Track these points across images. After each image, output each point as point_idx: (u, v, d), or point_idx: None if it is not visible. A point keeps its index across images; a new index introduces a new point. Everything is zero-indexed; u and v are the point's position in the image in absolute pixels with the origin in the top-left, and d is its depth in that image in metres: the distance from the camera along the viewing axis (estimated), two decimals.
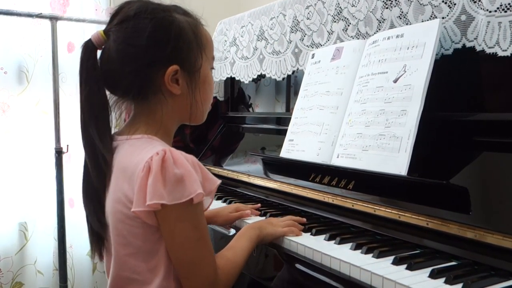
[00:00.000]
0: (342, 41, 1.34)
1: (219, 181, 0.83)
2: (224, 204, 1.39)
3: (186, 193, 0.76)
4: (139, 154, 0.80)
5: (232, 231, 1.16)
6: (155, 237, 0.81)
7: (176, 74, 0.85)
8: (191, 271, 0.81)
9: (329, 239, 0.99)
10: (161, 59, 0.83)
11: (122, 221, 0.82)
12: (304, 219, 1.09)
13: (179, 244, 0.80)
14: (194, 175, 0.77)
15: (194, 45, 0.86)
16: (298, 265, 0.96)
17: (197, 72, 0.87)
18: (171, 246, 0.81)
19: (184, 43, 0.85)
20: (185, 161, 0.78)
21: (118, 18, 0.84)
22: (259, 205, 1.26)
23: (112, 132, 0.89)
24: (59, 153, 1.89)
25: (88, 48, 0.85)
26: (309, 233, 1.04)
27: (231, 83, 1.99)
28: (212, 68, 0.93)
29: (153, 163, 0.76)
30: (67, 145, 1.90)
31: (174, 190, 0.76)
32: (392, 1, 1.18)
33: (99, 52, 0.86)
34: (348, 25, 1.32)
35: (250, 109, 2.02)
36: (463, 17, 1.02)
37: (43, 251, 2.12)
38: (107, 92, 0.87)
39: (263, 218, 1.18)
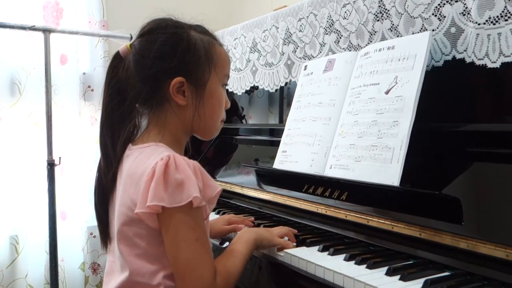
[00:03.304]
0: (334, 53, 1.36)
1: (220, 188, 0.87)
2: (217, 216, 1.39)
3: (185, 197, 0.80)
4: (147, 161, 0.85)
5: (226, 243, 1.16)
6: (157, 241, 0.84)
7: (182, 86, 0.90)
8: (187, 270, 0.82)
9: (323, 250, 0.99)
10: (167, 70, 0.88)
11: (127, 224, 0.86)
12: (296, 231, 1.09)
13: (176, 243, 0.82)
14: (194, 180, 0.81)
15: (203, 60, 0.91)
16: (291, 277, 0.95)
17: (203, 85, 0.91)
18: (169, 245, 0.83)
19: (192, 57, 0.90)
20: (187, 167, 0.82)
21: (140, 33, 0.93)
22: (252, 218, 1.25)
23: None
24: (51, 165, 1.88)
25: (116, 58, 0.94)
26: (303, 245, 1.03)
27: None
28: (225, 84, 0.97)
29: (157, 168, 0.81)
30: (59, 157, 1.89)
31: (174, 194, 0.80)
32: (383, 14, 1.20)
33: None
34: (340, 37, 1.34)
35: (244, 121, 2.03)
36: (453, 30, 1.04)
37: (34, 265, 2.09)
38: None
39: None
